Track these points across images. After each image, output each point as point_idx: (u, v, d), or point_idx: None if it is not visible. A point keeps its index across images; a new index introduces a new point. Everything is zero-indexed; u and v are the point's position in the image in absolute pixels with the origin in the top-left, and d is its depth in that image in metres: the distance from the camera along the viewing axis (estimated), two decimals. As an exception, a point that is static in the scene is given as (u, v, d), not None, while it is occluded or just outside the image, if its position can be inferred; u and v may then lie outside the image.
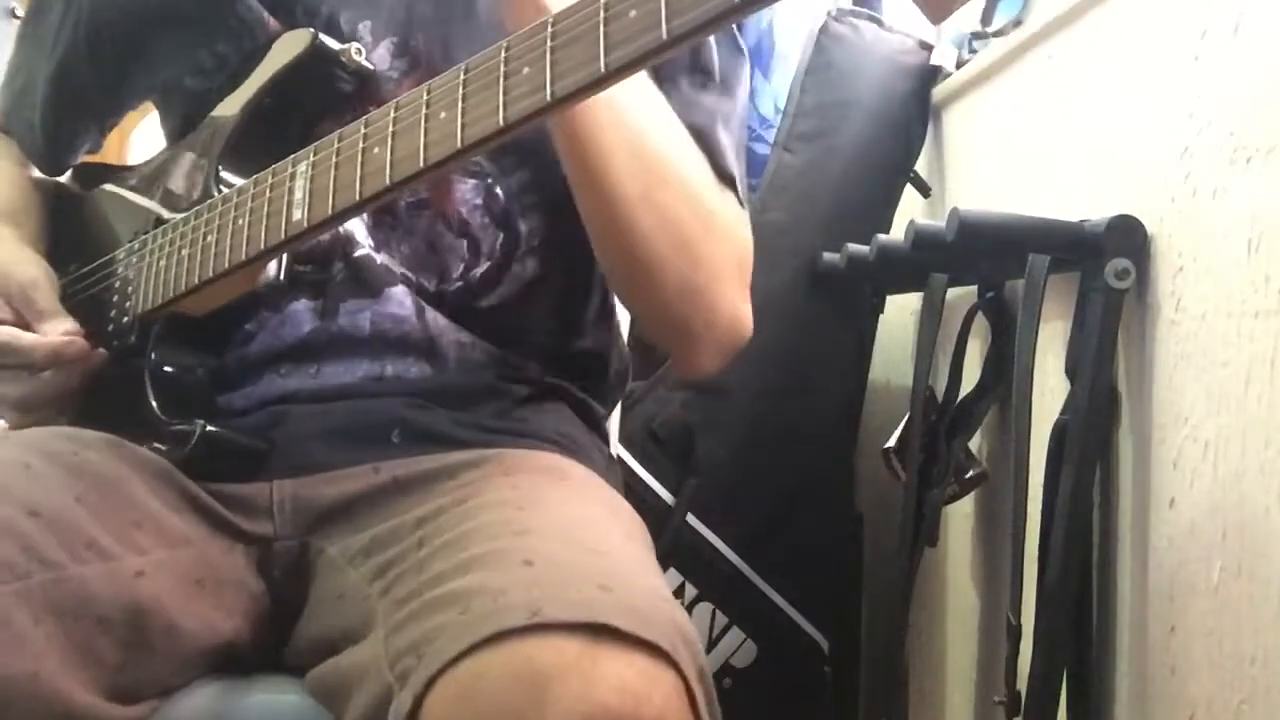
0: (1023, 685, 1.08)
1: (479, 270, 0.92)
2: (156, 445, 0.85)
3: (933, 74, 1.58)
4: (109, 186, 1.01)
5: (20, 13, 2.05)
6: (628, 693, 0.57)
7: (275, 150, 0.89)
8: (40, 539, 0.71)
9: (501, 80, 0.71)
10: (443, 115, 0.73)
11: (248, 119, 0.91)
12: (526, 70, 0.70)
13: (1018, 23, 0.61)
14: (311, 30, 0.89)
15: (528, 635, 0.58)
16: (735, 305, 0.88)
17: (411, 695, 0.59)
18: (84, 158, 1.08)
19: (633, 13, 0.66)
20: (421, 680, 0.59)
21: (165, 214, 0.93)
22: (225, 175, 0.91)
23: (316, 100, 0.91)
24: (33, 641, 0.67)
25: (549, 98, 0.69)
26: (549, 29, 0.69)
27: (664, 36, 0.65)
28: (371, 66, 0.90)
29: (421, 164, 0.74)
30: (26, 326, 0.92)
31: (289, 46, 0.90)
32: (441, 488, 0.82)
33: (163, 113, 1.02)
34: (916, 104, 1.58)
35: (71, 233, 1.02)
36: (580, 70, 0.68)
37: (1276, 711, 0.83)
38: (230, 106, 0.93)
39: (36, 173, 1.06)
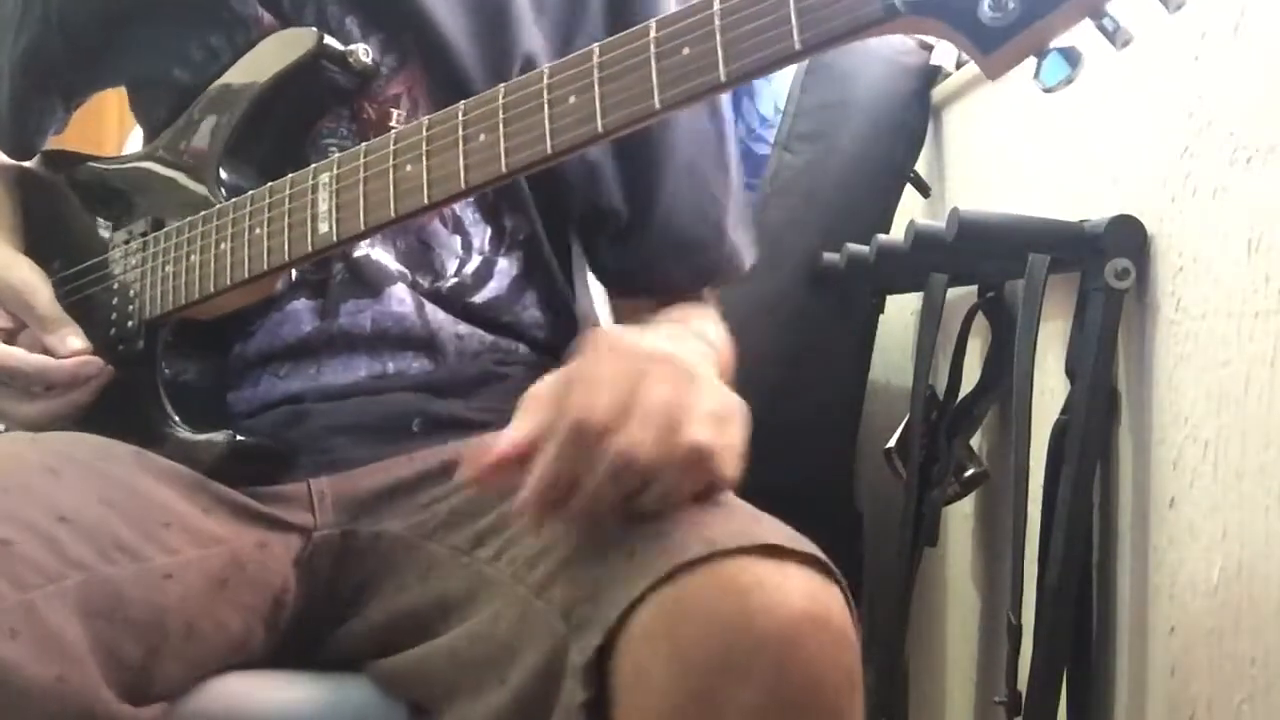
0: (1023, 685, 1.08)
1: (470, 266, 0.92)
2: (181, 456, 0.84)
3: (933, 74, 1.58)
4: (88, 179, 0.99)
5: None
6: (818, 600, 0.62)
7: (273, 150, 0.88)
8: (69, 541, 0.71)
9: (546, 108, 0.72)
10: (482, 138, 0.74)
11: (246, 118, 0.90)
12: (573, 100, 0.71)
13: (1069, 81, 0.62)
14: (316, 30, 0.88)
15: (713, 562, 0.62)
16: None
17: (602, 630, 0.62)
18: (51, 141, 1.05)
19: (686, 50, 0.67)
20: (611, 618, 0.62)
21: (162, 216, 0.92)
22: (225, 177, 0.90)
23: (313, 99, 0.90)
24: (65, 644, 0.67)
25: (600, 129, 0.70)
26: (595, 60, 0.70)
27: (722, 78, 0.66)
28: (376, 66, 0.90)
29: (462, 185, 0.75)
30: (18, 332, 0.91)
31: (291, 45, 0.89)
32: None
33: (145, 103, 1.00)
34: (916, 104, 1.58)
35: (47, 227, 0.99)
36: (633, 104, 0.69)
37: (1276, 711, 0.83)
38: (216, 103, 0.92)
39: (2, 158, 1.04)
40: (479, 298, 0.92)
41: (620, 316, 0.99)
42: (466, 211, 0.92)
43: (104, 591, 0.70)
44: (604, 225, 0.96)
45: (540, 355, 0.95)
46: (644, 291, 0.98)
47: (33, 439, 0.80)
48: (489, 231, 0.93)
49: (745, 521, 0.66)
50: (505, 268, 0.94)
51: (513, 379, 0.93)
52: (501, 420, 0.89)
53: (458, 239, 0.92)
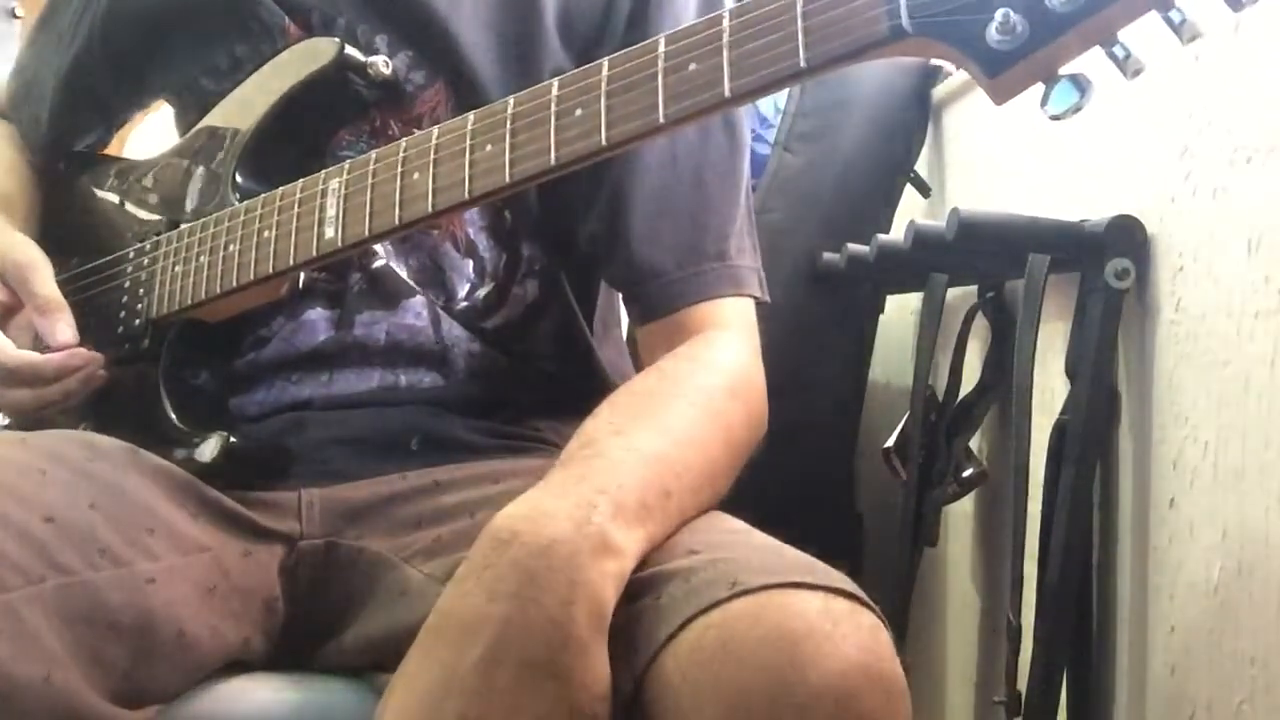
0: (1023, 685, 1.08)
1: (483, 291, 0.92)
2: (176, 455, 0.84)
3: (933, 74, 1.59)
4: (110, 181, 1.01)
5: (20, 13, 2.05)
6: (870, 650, 0.60)
7: (291, 158, 0.89)
8: (54, 544, 0.71)
9: (553, 119, 0.72)
10: (489, 148, 0.74)
11: (266, 125, 0.90)
12: (579, 112, 0.71)
13: (1077, 109, 0.62)
14: (337, 40, 0.89)
15: (748, 601, 0.61)
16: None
17: (631, 677, 0.62)
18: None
19: (693, 66, 0.67)
20: (642, 662, 0.62)
21: (176, 217, 0.93)
22: (241, 182, 0.90)
23: (334, 109, 0.91)
24: (45, 645, 0.67)
25: (604, 141, 0.70)
26: (604, 73, 0.70)
27: (727, 94, 0.65)
28: (396, 78, 0.90)
29: (466, 195, 0.75)
30: (15, 310, 0.92)
31: (313, 55, 0.90)
32: (493, 491, 0.82)
33: (176, 109, 1.02)
34: (916, 104, 1.58)
35: (68, 225, 1.01)
36: (638, 118, 0.69)
37: (1276, 711, 0.83)
38: (236, 109, 0.92)
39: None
40: (490, 323, 0.93)
41: (634, 347, 0.98)
42: (481, 237, 0.92)
43: (84, 596, 0.70)
44: (593, 254, 0.94)
45: (548, 386, 0.95)
46: (638, 319, 0.93)
47: (23, 439, 0.80)
48: (504, 258, 0.93)
49: (769, 554, 0.66)
50: (520, 295, 0.94)
51: (522, 407, 0.93)
52: (498, 448, 0.90)
53: (470, 263, 0.92)
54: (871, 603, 0.65)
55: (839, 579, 0.65)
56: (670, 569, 0.66)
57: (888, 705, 0.60)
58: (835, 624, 0.61)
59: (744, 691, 0.59)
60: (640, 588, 0.66)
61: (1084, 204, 1.12)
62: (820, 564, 0.66)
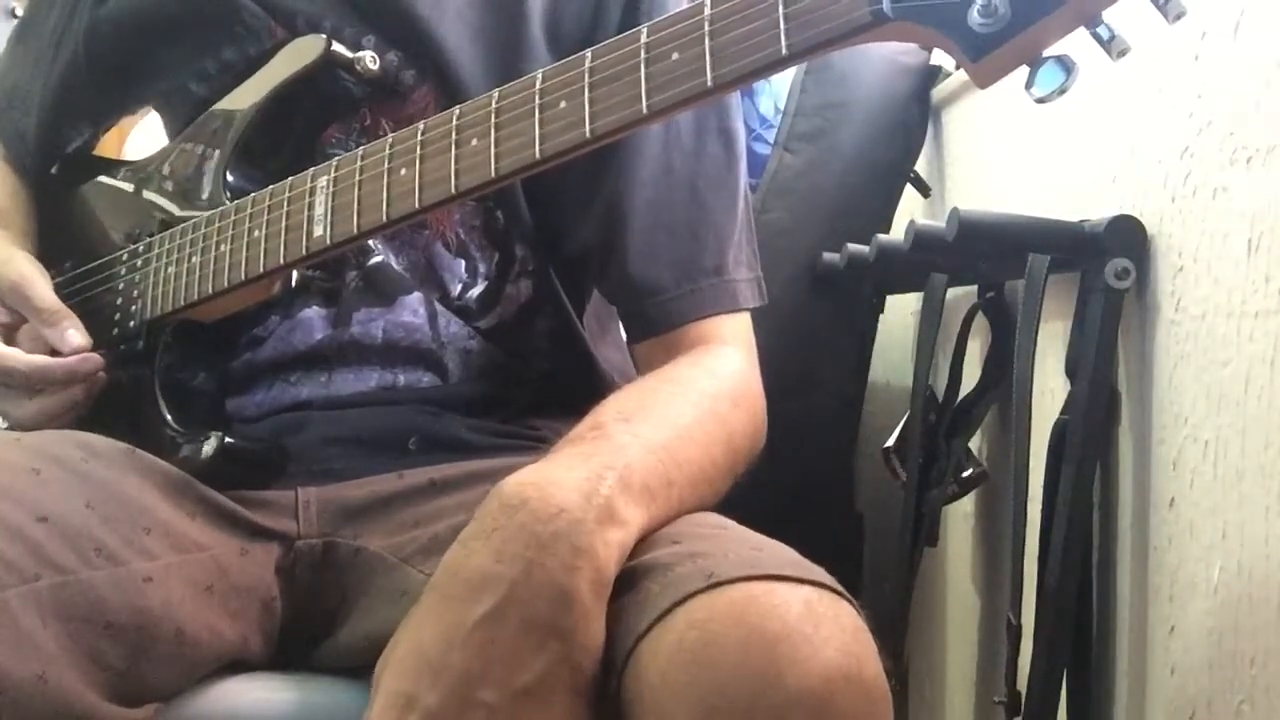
0: (1023, 685, 1.08)
1: (476, 291, 0.92)
2: (174, 456, 0.85)
3: (933, 74, 1.58)
4: (103, 183, 1.01)
5: (20, 12, 2.05)
6: (848, 652, 0.60)
7: (281, 156, 0.89)
8: (49, 543, 0.71)
9: (537, 113, 0.71)
10: (474, 142, 0.74)
11: (255, 123, 0.91)
12: (563, 105, 0.70)
13: (1063, 91, 0.61)
14: (325, 37, 0.89)
15: (726, 597, 0.61)
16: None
17: (614, 674, 0.63)
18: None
19: (675, 55, 0.67)
20: (622, 658, 0.63)
21: (169, 217, 0.93)
22: (232, 180, 0.90)
23: (323, 107, 0.91)
24: (40, 644, 0.67)
25: (588, 134, 0.69)
26: (586, 65, 0.70)
27: (709, 84, 0.65)
28: (385, 74, 0.90)
29: (453, 190, 0.74)
30: (17, 327, 0.92)
31: (300, 52, 0.90)
32: (490, 489, 0.82)
33: (165, 116, 1.02)
34: (916, 104, 1.58)
35: (62, 228, 1.01)
36: (622, 109, 0.69)
37: (1276, 712, 0.83)
38: (231, 106, 0.93)
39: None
40: (485, 322, 0.93)
41: (634, 360, 0.98)
42: (472, 237, 0.92)
43: (80, 594, 0.70)
44: (586, 265, 0.95)
45: (545, 384, 0.95)
46: (635, 335, 0.94)
47: (17, 439, 0.80)
48: (496, 258, 0.93)
49: (747, 549, 0.67)
50: (514, 295, 0.94)
51: (519, 406, 0.93)
52: (496, 447, 0.90)
53: (462, 263, 0.92)
54: (853, 599, 0.64)
55: (819, 573, 0.64)
56: (649, 562, 0.66)
57: (868, 709, 0.60)
58: (816, 626, 0.60)
59: (721, 694, 0.59)
60: (621, 584, 0.66)
61: (1084, 204, 1.12)
62: (802, 559, 0.66)
